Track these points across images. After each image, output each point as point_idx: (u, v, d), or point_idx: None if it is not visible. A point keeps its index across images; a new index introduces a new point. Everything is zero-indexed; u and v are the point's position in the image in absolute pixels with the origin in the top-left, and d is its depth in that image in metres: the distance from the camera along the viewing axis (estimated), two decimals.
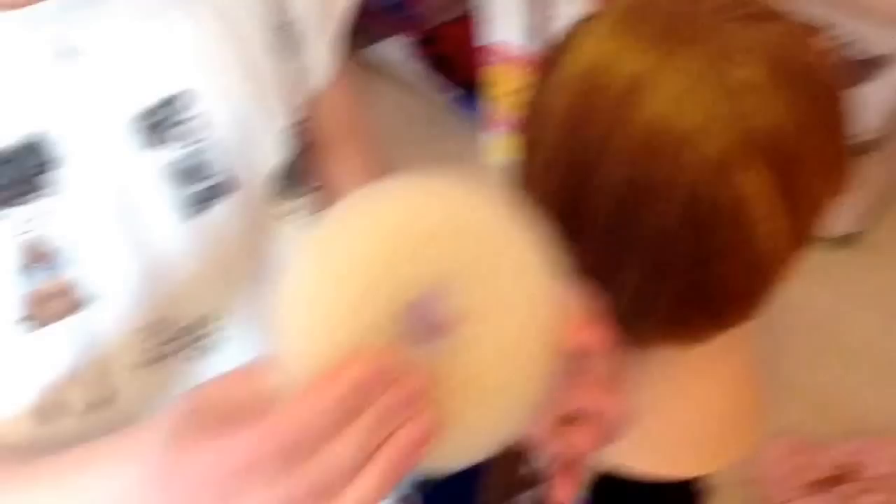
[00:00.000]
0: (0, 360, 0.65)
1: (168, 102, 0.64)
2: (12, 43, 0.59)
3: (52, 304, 0.63)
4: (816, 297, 1.08)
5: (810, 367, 1.05)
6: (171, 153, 0.64)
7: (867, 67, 1.16)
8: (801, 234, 0.64)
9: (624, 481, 0.80)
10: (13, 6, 0.59)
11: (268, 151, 0.71)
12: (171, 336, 0.69)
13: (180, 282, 0.68)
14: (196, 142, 0.66)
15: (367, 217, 0.49)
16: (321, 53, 0.76)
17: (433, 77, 1.42)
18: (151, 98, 0.63)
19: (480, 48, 1.27)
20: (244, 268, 0.72)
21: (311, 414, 0.47)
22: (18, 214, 0.60)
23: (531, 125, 0.68)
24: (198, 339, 0.71)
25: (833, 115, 0.63)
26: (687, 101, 0.60)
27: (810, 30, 0.63)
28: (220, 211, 0.68)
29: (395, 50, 1.51)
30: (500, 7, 1.22)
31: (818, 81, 0.62)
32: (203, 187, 0.67)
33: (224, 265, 0.70)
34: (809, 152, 0.62)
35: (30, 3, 0.59)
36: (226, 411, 0.50)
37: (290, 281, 0.48)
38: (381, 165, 0.89)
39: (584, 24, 0.66)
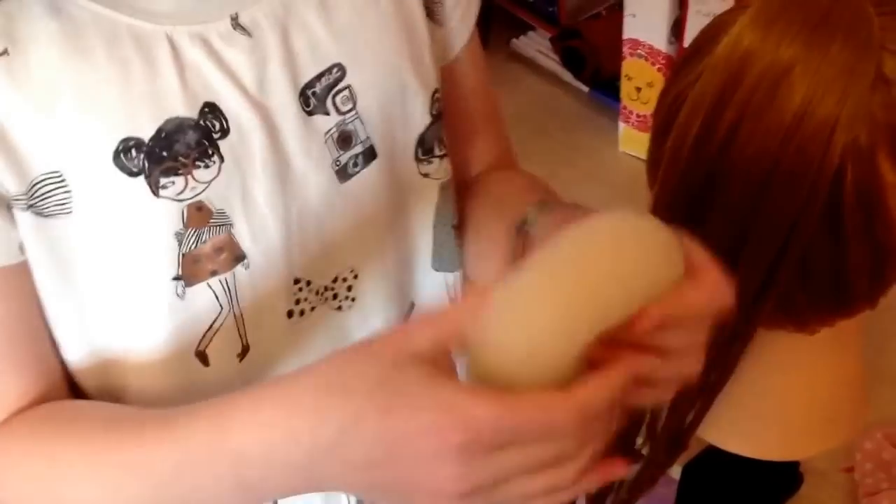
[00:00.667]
0: (152, 315, 0.66)
1: (324, 74, 0.67)
2: (193, 14, 0.63)
3: (207, 264, 0.66)
4: None
5: None
6: (328, 121, 0.68)
7: None
8: None
9: (722, 458, 0.84)
10: None
11: (417, 116, 0.73)
12: (316, 290, 0.72)
13: (327, 242, 0.71)
14: (349, 110, 0.69)
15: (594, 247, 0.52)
16: (457, 22, 0.76)
17: (574, 69, 1.43)
18: (312, 70, 0.66)
19: (622, 42, 1.30)
20: (384, 227, 0.75)
21: (602, 403, 0.49)
22: (190, 179, 0.63)
23: (670, 109, 0.71)
24: (338, 294, 0.74)
25: None
26: (837, 89, 0.62)
27: None
28: (367, 174, 0.71)
29: (538, 42, 1.54)
30: (644, 2, 1.25)
31: None
32: (354, 153, 0.70)
33: (367, 225, 0.73)
34: None
35: None
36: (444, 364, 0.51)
37: (524, 281, 0.51)
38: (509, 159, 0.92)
39: (731, 14, 0.69)
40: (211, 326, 0.68)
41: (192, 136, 0.63)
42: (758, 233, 0.66)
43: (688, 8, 1.21)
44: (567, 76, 1.46)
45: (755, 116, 0.64)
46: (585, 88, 1.45)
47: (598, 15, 1.48)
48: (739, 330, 0.71)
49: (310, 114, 0.67)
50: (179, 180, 0.63)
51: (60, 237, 0.63)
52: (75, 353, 0.68)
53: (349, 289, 0.75)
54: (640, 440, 0.81)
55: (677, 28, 1.25)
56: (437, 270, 0.82)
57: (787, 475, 0.97)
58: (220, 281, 0.67)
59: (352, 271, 0.75)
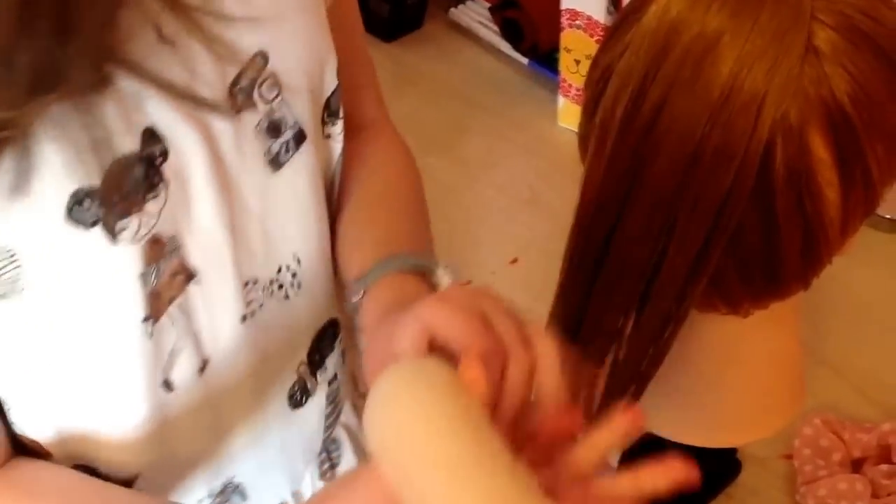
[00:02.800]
0: (123, 364, 0.65)
1: (248, 67, 0.64)
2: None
3: (166, 293, 0.63)
4: (861, 277, 1.09)
5: (851, 348, 1.05)
6: (256, 114, 0.65)
7: None
8: (868, 202, 0.65)
9: (660, 446, 0.82)
10: None
11: (328, 82, 0.71)
12: (262, 287, 0.71)
13: (269, 236, 0.69)
14: (275, 97, 0.67)
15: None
16: None
17: (513, 41, 1.41)
18: (236, 65, 0.63)
19: (560, 13, 1.27)
20: (319, 205, 0.73)
21: None
22: (142, 216, 0.60)
23: (598, 84, 0.69)
24: (283, 284, 0.72)
25: None
26: (767, 60, 0.60)
27: None
28: (298, 158, 0.69)
29: (478, 11, 1.51)
30: None
31: None
32: (284, 140, 0.68)
33: (302, 210, 0.72)
34: (883, 120, 0.62)
35: None
36: None
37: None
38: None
39: None
40: (172, 352, 0.67)
41: (139, 171, 0.60)
42: (687, 212, 0.64)
43: None
44: (506, 47, 1.44)
45: (682, 91, 0.62)
46: (524, 60, 1.42)
47: None
48: (672, 312, 0.69)
49: (238, 111, 0.65)
50: (133, 220, 0.60)
51: (11, 319, 0.59)
52: (37, 426, 0.65)
53: (294, 275, 0.74)
54: None
55: (619, 7, 1.22)
56: None
57: (725, 463, 0.96)
58: (176, 305, 0.65)
59: (295, 257, 0.73)
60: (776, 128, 0.60)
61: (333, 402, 0.84)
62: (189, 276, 0.65)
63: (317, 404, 0.82)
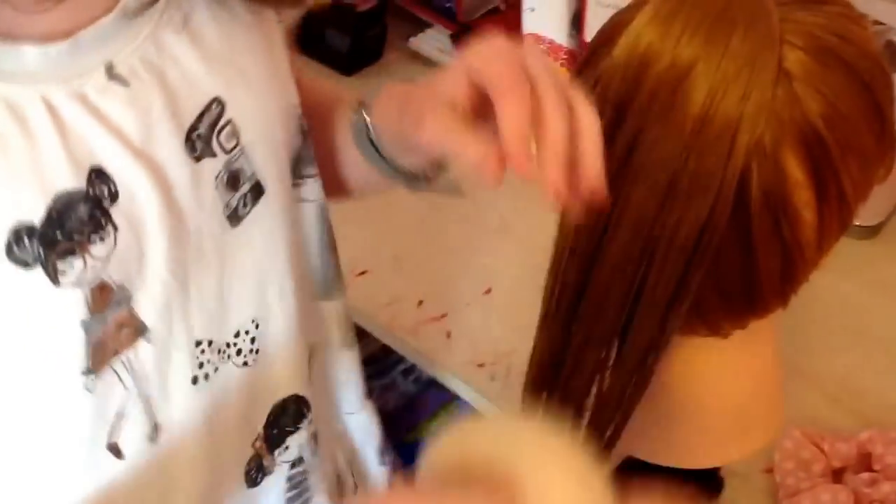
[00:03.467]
0: (60, 421, 0.61)
1: (205, 113, 0.63)
2: (65, 68, 0.58)
3: (110, 345, 0.61)
4: (836, 287, 1.10)
5: (828, 357, 1.06)
6: (216, 163, 0.64)
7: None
8: (843, 220, 0.66)
9: (640, 468, 0.82)
10: (49, 39, 0.57)
11: (291, 136, 0.70)
12: (218, 349, 0.68)
13: (225, 295, 0.67)
14: (234, 147, 0.65)
15: None
16: None
17: None
18: (193, 110, 0.62)
19: (524, 38, 1.27)
20: (281, 268, 0.71)
21: None
22: (88, 258, 0.58)
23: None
24: (241, 349, 0.70)
25: (880, 102, 0.64)
26: (740, 85, 0.61)
27: (858, 14, 0.65)
28: (257, 213, 0.67)
29: (437, 39, 1.49)
30: None
31: (868, 68, 0.63)
32: (242, 192, 0.66)
33: (263, 269, 0.69)
34: (857, 139, 0.63)
35: (72, 34, 0.57)
36: None
37: None
38: None
39: (630, 11, 0.67)
40: (119, 413, 0.64)
41: (83, 210, 0.58)
42: (666, 240, 0.65)
43: (586, 1, 1.19)
44: None
45: (657, 121, 0.63)
46: None
47: (496, 10, 1.46)
48: (654, 339, 0.70)
49: (197, 159, 0.63)
50: (78, 262, 0.58)
51: None
52: None
53: (252, 341, 0.71)
54: None
55: (577, 21, 1.23)
56: (321, 300, 0.79)
57: (707, 480, 0.96)
58: (122, 361, 0.63)
59: (253, 321, 0.71)
60: (751, 153, 0.61)
61: (297, 489, 0.80)
62: (138, 329, 0.63)
63: (275, 485, 0.78)
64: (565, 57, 1.26)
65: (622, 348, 0.71)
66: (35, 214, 0.56)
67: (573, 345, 0.73)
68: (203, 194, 0.64)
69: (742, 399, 0.81)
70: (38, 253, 0.57)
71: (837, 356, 1.07)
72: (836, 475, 0.97)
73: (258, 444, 0.75)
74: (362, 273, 1.18)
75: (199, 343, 0.67)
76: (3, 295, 0.57)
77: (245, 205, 0.67)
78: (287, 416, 0.77)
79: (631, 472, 0.88)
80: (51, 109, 0.57)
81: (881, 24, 1.19)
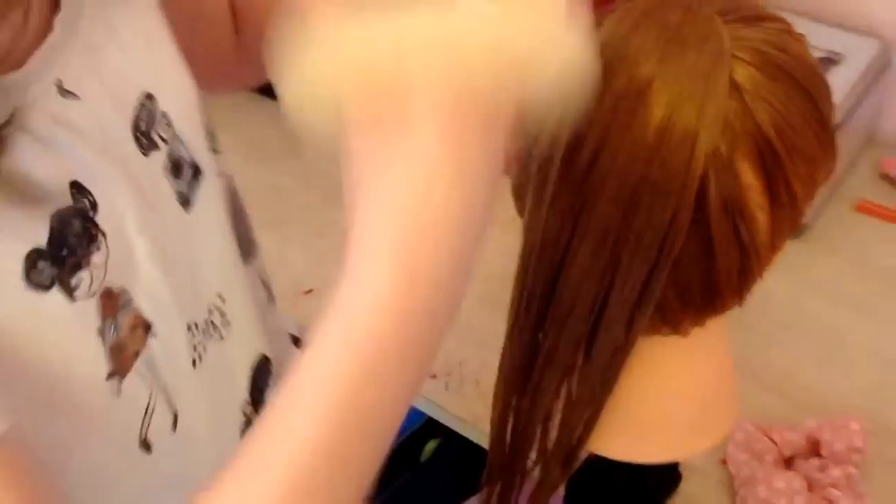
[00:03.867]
0: (95, 420, 0.62)
1: (142, 108, 0.66)
2: (28, 96, 0.58)
3: (130, 348, 0.63)
4: (773, 285, 1.14)
5: (771, 353, 1.11)
6: (160, 155, 0.67)
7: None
8: (794, 220, 0.70)
9: (605, 466, 0.85)
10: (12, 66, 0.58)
11: (199, 110, 0.73)
12: (202, 330, 0.72)
13: (195, 277, 0.70)
14: (172, 136, 0.68)
15: None
16: None
17: None
18: (132, 108, 0.65)
19: None
20: (229, 240, 0.75)
21: None
22: (91, 269, 0.60)
23: (528, 135, 0.71)
24: (216, 324, 0.73)
25: (822, 109, 0.68)
26: (696, 99, 0.64)
27: (795, 31, 0.69)
28: (201, 194, 0.71)
29: None
30: None
31: (810, 78, 0.67)
32: (186, 177, 0.70)
33: (216, 247, 0.73)
34: (803, 144, 0.67)
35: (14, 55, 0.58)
36: None
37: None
38: None
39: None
40: (146, 411, 0.66)
41: (77, 225, 0.60)
42: (631, 246, 0.68)
43: None
44: None
45: (619, 135, 0.65)
46: None
47: None
48: (621, 341, 0.73)
49: (146, 154, 0.66)
50: (84, 274, 0.60)
51: None
52: None
53: (222, 314, 0.75)
54: (531, 460, 0.81)
55: None
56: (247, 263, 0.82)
57: (667, 474, 0.99)
58: (143, 360, 0.65)
59: (219, 296, 0.74)
60: (709, 161, 0.64)
61: None
62: (146, 327, 0.65)
63: None
64: None
65: (590, 351, 0.74)
66: (41, 238, 0.57)
67: (543, 350, 0.76)
68: (160, 186, 0.67)
69: (703, 394, 0.84)
70: (52, 274, 0.58)
71: (778, 352, 1.12)
72: (788, 463, 1.01)
73: (248, 409, 0.79)
74: (309, 291, 1.20)
75: (189, 327, 0.70)
76: (27, 321, 0.57)
77: (191, 188, 0.70)
78: (262, 375, 0.81)
79: (595, 468, 0.91)
80: (28, 133, 0.58)
81: None
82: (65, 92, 0.61)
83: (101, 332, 0.61)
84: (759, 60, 0.65)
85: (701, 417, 0.86)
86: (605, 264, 0.69)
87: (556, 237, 0.70)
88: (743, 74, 0.64)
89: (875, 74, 1.27)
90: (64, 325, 0.59)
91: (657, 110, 0.63)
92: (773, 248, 0.71)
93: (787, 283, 1.19)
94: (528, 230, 0.72)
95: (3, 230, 0.56)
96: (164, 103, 0.68)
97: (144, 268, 0.64)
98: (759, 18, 0.68)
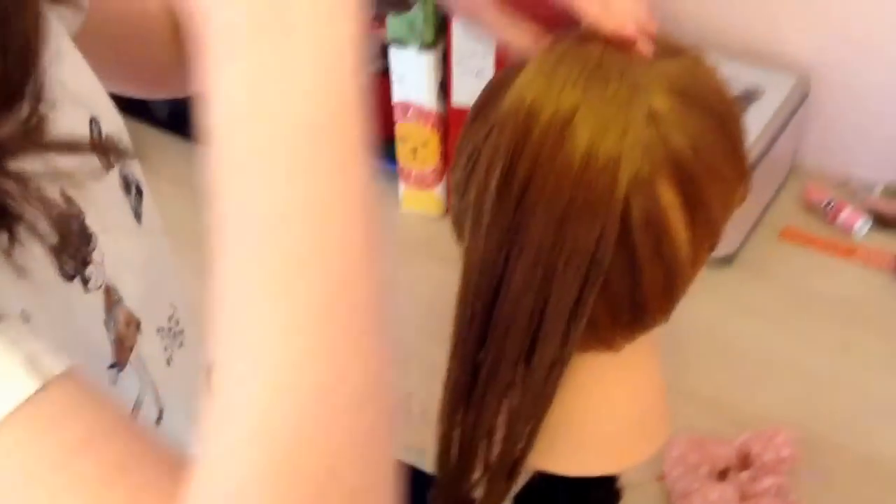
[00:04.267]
0: None
1: (92, 131, 0.68)
2: None
3: (126, 342, 0.68)
4: (704, 310, 1.20)
5: (702, 372, 1.16)
6: (115, 172, 0.70)
7: (739, 101, 1.31)
8: (713, 238, 0.75)
9: (548, 482, 0.89)
10: None
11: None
12: (167, 335, 0.76)
13: (153, 284, 0.74)
14: (118, 157, 0.71)
15: None
16: None
17: None
18: (87, 129, 0.67)
19: (394, 105, 1.35)
20: (167, 247, 0.79)
21: None
22: (94, 264, 0.64)
23: (466, 166, 0.76)
24: (174, 331, 0.77)
25: (734, 133, 0.74)
26: (617, 126, 0.69)
27: (709, 63, 0.75)
28: (146, 206, 0.74)
29: None
30: (408, 66, 1.30)
31: (720, 105, 0.73)
32: (135, 192, 0.73)
33: (163, 252, 0.77)
34: (717, 167, 0.72)
35: None
36: None
37: None
38: None
39: (514, 70, 0.74)
40: (137, 402, 0.69)
41: (75, 225, 0.63)
42: (563, 267, 0.71)
43: (451, 68, 1.27)
44: None
45: (547, 163, 0.69)
46: None
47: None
48: (557, 356, 0.76)
49: (107, 170, 0.69)
50: (92, 268, 0.64)
51: None
52: None
53: (177, 322, 0.78)
54: (476, 475, 0.84)
55: (444, 87, 1.31)
56: None
57: (607, 491, 1.03)
58: (136, 355, 0.68)
59: (172, 305, 0.78)
60: (631, 183, 0.68)
61: None
62: (137, 324, 0.69)
63: None
64: (435, 121, 1.33)
65: (529, 366, 0.77)
66: (52, 238, 0.58)
67: (484, 367, 0.79)
68: (118, 199, 0.70)
69: (637, 407, 0.88)
70: (73, 265, 0.62)
71: (710, 372, 1.17)
72: (721, 475, 1.06)
73: None
74: None
75: (159, 329, 0.73)
76: (60, 308, 0.61)
77: (139, 202, 0.73)
78: None
79: (538, 485, 0.95)
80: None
81: None
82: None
83: (107, 324, 0.65)
84: (674, 89, 0.70)
85: (635, 430, 0.90)
86: (539, 282, 0.73)
87: (494, 258, 0.74)
88: (659, 103, 0.69)
89: (793, 107, 1.34)
90: (85, 313, 0.64)
91: (582, 138, 0.68)
92: (695, 265, 0.75)
93: (717, 308, 1.24)
94: (468, 253, 0.76)
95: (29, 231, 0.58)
96: (105, 125, 0.70)
97: (128, 268, 0.68)
98: (674, 52, 0.73)
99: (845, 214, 1.36)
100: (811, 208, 1.40)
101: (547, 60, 0.71)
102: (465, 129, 0.78)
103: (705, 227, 0.73)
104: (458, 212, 0.78)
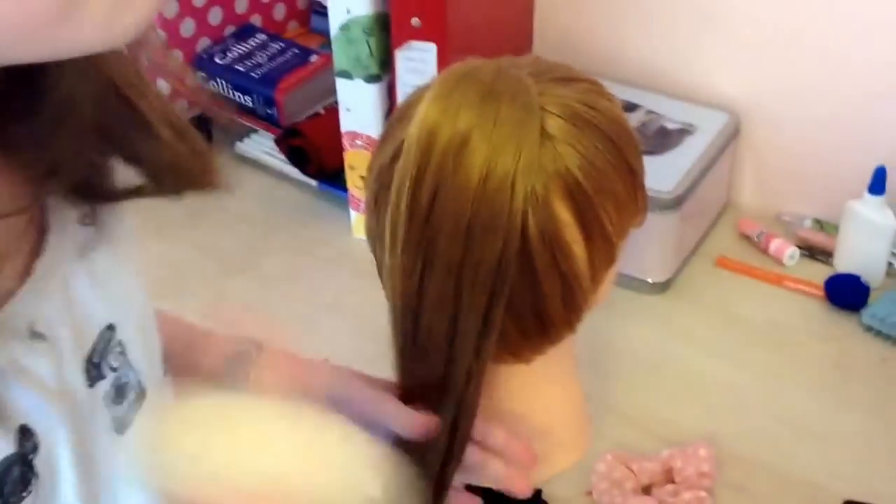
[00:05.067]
0: None
1: (100, 341, 0.64)
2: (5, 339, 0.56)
3: None
4: (638, 334, 1.25)
5: (632, 393, 1.19)
6: (105, 384, 0.65)
7: (673, 136, 1.37)
8: (609, 254, 0.79)
9: (475, 493, 0.92)
10: None
11: (158, 338, 0.73)
12: None
13: (117, 498, 0.68)
14: (121, 365, 0.66)
15: None
16: None
17: (301, 166, 1.51)
18: (91, 343, 0.63)
19: (342, 136, 1.39)
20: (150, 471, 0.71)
21: None
22: None
23: (376, 188, 0.80)
24: None
25: (627, 157, 0.78)
26: (511, 146, 0.73)
27: (604, 90, 0.79)
28: (140, 416, 0.68)
29: (262, 143, 1.61)
30: (356, 97, 1.35)
31: (615, 129, 0.77)
32: (129, 401, 0.68)
33: (140, 472, 0.69)
34: (609, 186, 0.77)
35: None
36: None
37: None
38: None
39: (419, 92, 0.79)
40: None
41: (17, 472, 0.56)
42: (470, 279, 0.75)
43: (395, 98, 1.32)
44: (295, 173, 1.53)
45: (449, 182, 0.73)
46: (314, 183, 1.52)
47: (317, 114, 1.56)
48: (473, 367, 0.79)
49: (92, 385, 0.63)
50: None
51: None
52: None
53: None
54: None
55: (389, 117, 1.35)
56: None
57: None
58: None
59: None
60: (527, 200, 0.72)
61: None
62: None
63: None
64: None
65: (447, 376, 0.81)
66: None
67: (413, 384, 0.83)
68: (97, 415, 0.64)
69: (552, 417, 0.92)
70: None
71: (640, 392, 1.20)
72: (646, 490, 1.09)
73: None
74: None
75: None
76: None
77: (130, 411, 0.67)
78: None
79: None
80: None
81: (654, 112, 1.38)
82: (34, 335, 0.58)
83: None
84: (566, 112, 0.75)
85: (551, 440, 0.94)
86: (452, 296, 0.76)
87: (410, 274, 0.78)
88: (552, 125, 0.74)
89: (725, 142, 1.40)
90: None
91: (478, 158, 0.72)
92: (594, 280, 0.79)
93: (651, 331, 1.29)
94: (389, 272, 0.80)
95: None
96: (123, 332, 0.65)
97: (67, 500, 0.62)
98: (569, 80, 0.78)
99: (776, 245, 1.41)
100: (745, 239, 1.45)
101: (445, 85, 0.75)
102: (374, 152, 0.82)
103: (600, 243, 0.77)
104: (373, 232, 0.82)
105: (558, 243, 0.75)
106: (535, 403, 0.91)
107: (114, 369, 0.65)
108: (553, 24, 1.52)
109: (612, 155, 0.76)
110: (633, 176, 0.78)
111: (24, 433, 0.57)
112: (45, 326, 0.59)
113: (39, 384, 0.58)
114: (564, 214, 0.74)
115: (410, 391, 0.84)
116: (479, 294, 0.76)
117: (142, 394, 0.69)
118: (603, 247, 0.77)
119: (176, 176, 0.64)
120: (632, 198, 0.78)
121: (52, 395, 0.59)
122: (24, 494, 0.57)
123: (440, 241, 0.75)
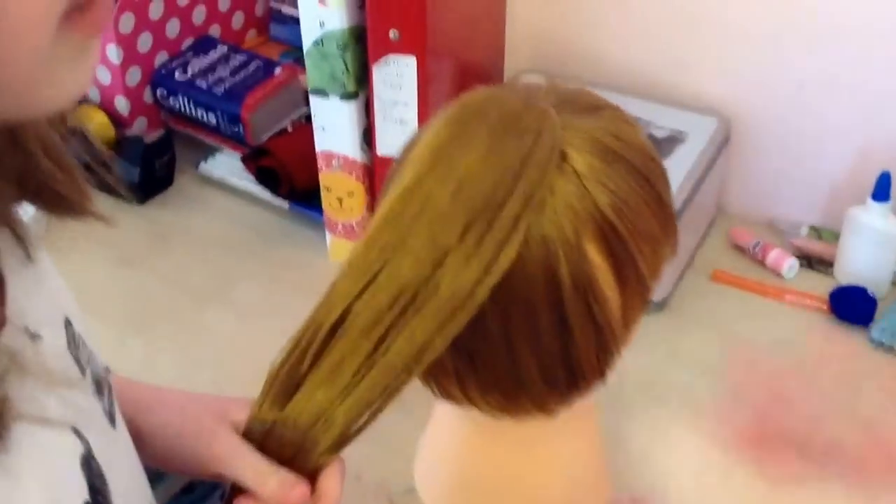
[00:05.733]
0: None
1: (67, 332, 0.64)
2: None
3: None
4: (636, 355, 1.18)
5: (631, 417, 1.15)
6: (88, 377, 0.65)
7: (662, 146, 1.30)
8: (643, 297, 0.73)
9: None
10: None
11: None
12: None
13: (114, 491, 0.66)
14: (89, 359, 0.67)
15: None
16: None
17: (271, 187, 1.44)
18: (65, 337, 0.64)
19: (316, 155, 1.32)
20: (137, 461, 0.74)
21: None
22: None
23: (385, 224, 0.73)
24: None
25: (658, 189, 0.72)
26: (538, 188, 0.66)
27: (629, 117, 0.73)
28: (118, 411, 0.69)
29: (228, 163, 1.54)
30: (331, 115, 1.27)
31: (644, 162, 0.71)
32: (107, 396, 0.68)
33: (132, 462, 0.72)
34: (643, 224, 0.70)
35: None
36: None
37: None
38: None
39: (426, 125, 0.72)
40: None
41: (94, 465, 0.60)
42: (499, 332, 0.69)
43: (374, 116, 1.25)
44: (265, 193, 1.47)
45: None
46: (286, 204, 1.45)
47: (284, 131, 1.49)
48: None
49: (84, 377, 0.65)
50: None
51: None
52: None
53: None
54: None
55: (367, 136, 1.28)
56: None
57: None
58: None
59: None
60: (560, 243, 0.66)
61: None
62: None
63: None
64: (360, 171, 1.31)
65: None
66: (85, 491, 0.58)
67: None
68: (95, 409, 0.65)
69: (574, 472, 0.87)
70: None
71: (638, 417, 1.15)
72: None
73: None
74: None
75: None
76: None
77: (111, 405, 0.69)
78: None
79: None
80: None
81: (639, 119, 1.32)
82: (33, 336, 0.59)
83: None
84: (595, 147, 0.68)
85: (574, 494, 0.88)
86: (475, 346, 0.70)
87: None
88: (580, 161, 0.67)
89: (716, 149, 1.34)
90: None
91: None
92: (627, 325, 0.73)
93: (652, 354, 1.23)
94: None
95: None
96: (78, 326, 0.67)
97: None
98: (593, 108, 0.72)
99: (774, 255, 1.35)
100: (739, 250, 1.40)
101: (457, 112, 0.68)
102: (390, 173, 0.75)
103: (635, 285, 0.72)
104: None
105: (592, 290, 0.69)
106: (559, 457, 0.86)
107: (86, 365, 0.66)
108: (526, 23, 1.46)
109: (644, 189, 0.70)
110: (665, 209, 0.72)
111: (77, 434, 0.59)
112: (35, 326, 0.59)
113: (64, 383, 0.60)
114: (598, 258, 0.68)
115: None
116: (507, 347, 0.70)
117: (109, 385, 0.70)
118: (638, 290, 0.72)
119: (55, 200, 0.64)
120: (665, 234, 0.72)
121: (72, 393, 0.61)
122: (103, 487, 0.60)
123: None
